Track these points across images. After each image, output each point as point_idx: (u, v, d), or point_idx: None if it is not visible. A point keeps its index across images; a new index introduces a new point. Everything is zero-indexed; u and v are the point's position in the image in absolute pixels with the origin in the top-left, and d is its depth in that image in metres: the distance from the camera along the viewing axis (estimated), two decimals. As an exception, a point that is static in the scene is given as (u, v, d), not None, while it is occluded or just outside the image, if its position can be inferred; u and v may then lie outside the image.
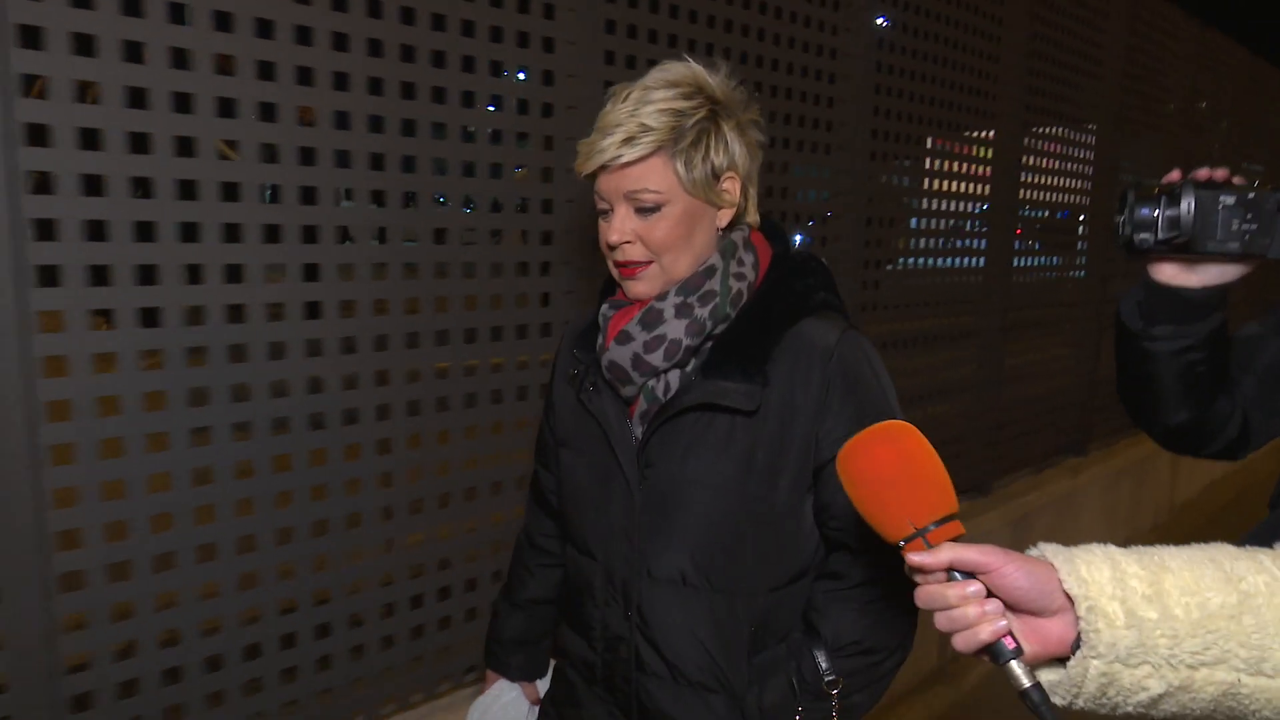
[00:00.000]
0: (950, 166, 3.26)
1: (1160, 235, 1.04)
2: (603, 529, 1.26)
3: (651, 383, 1.20)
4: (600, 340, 1.24)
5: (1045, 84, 3.68)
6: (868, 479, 0.84)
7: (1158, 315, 1.13)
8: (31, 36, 1.30)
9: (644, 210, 1.15)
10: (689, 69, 1.18)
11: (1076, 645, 0.79)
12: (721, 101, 1.17)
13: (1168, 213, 1.03)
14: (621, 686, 1.27)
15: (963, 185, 3.34)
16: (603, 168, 1.15)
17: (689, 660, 1.22)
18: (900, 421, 0.87)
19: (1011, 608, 0.81)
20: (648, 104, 1.13)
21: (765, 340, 1.18)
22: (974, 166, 3.37)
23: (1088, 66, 3.95)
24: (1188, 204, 1.02)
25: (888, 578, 1.19)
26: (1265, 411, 1.21)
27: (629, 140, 1.13)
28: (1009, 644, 0.79)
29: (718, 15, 2.23)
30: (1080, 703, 0.80)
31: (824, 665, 1.19)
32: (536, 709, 1.52)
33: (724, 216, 1.21)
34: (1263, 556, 0.82)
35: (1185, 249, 1.04)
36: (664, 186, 1.15)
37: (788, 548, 1.22)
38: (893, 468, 0.83)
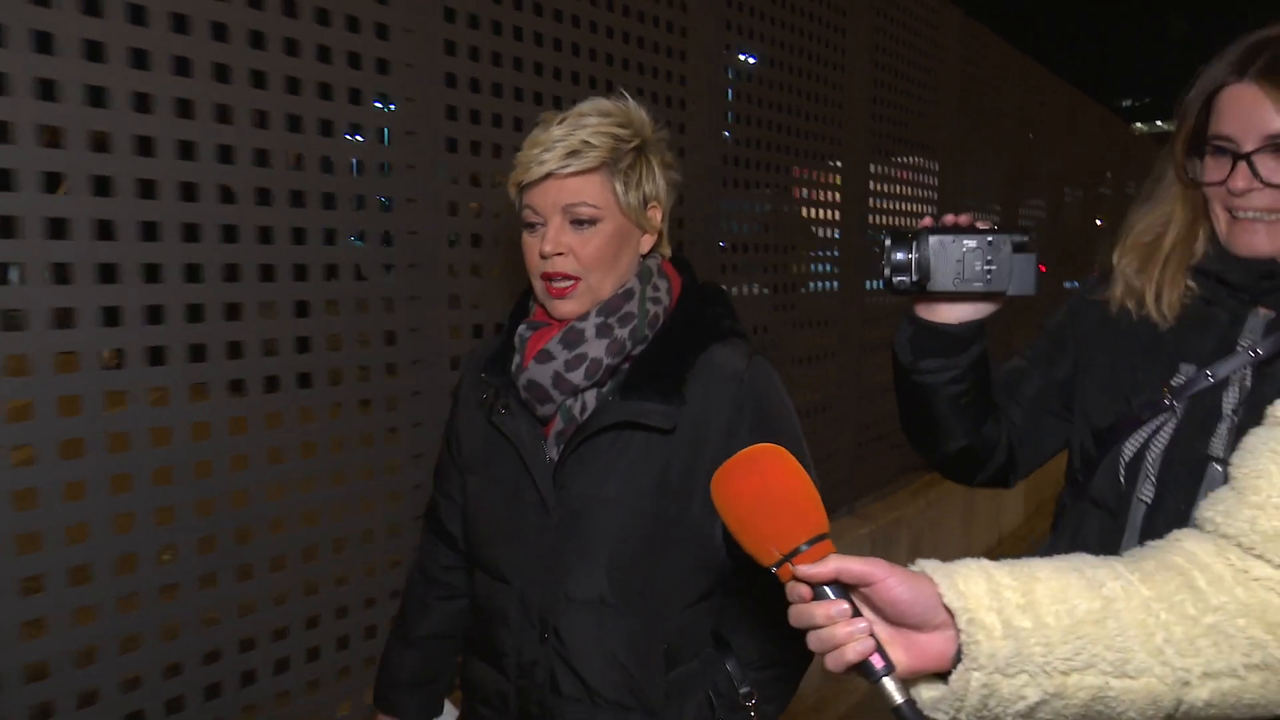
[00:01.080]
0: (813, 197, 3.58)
1: (913, 277, 1.11)
2: (516, 553, 1.26)
3: (569, 402, 1.22)
4: (517, 360, 1.24)
5: (889, 116, 3.91)
6: (734, 505, 0.85)
7: (925, 349, 1.20)
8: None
9: (579, 223, 1.19)
10: (620, 104, 1.23)
11: (957, 660, 0.81)
12: (649, 138, 1.24)
13: (916, 256, 1.10)
14: (536, 713, 1.26)
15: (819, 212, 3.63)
16: (540, 180, 1.18)
17: (606, 680, 1.23)
18: (763, 445, 0.87)
19: (892, 621, 0.82)
20: (584, 127, 1.18)
21: (681, 363, 1.22)
22: (826, 195, 3.63)
23: (928, 96, 4.25)
24: (931, 249, 1.10)
25: None
26: (1031, 438, 1.31)
27: (573, 153, 1.16)
28: (877, 662, 0.79)
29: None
30: (963, 716, 0.81)
31: (737, 678, 1.25)
32: None
33: (646, 242, 1.26)
34: (1116, 564, 0.87)
35: (933, 289, 1.12)
36: (601, 202, 1.19)
37: (699, 565, 1.26)
38: (750, 495, 0.84)
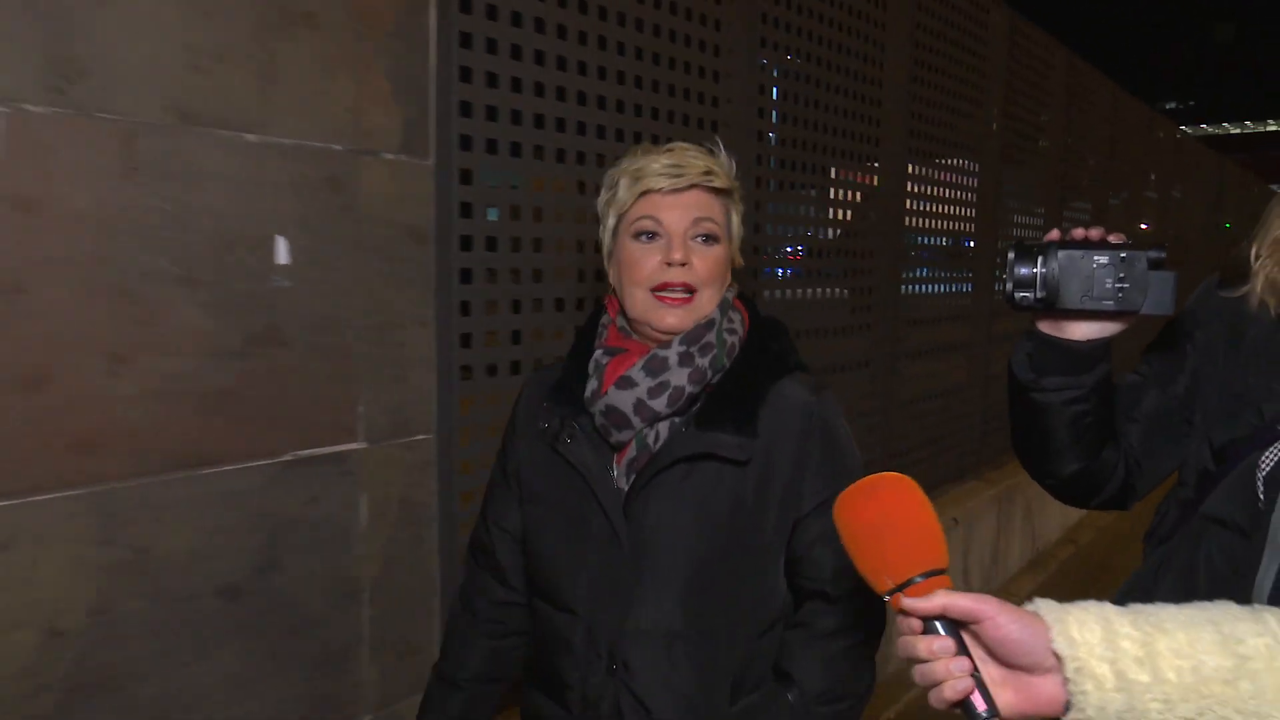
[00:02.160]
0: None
1: (1038, 293, 1.06)
2: (583, 584, 1.24)
3: (645, 430, 1.21)
4: (594, 386, 1.23)
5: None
6: (851, 531, 0.84)
7: (1046, 367, 1.14)
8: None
9: (702, 238, 1.21)
10: (714, 154, 1.26)
11: (1068, 708, 0.78)
12: (736, 186, 1.28)
13: (1043, 271, 1.06)
14: None
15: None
16: (677, 191, 1.20)
17: (673, 712, 1.22)
18: (893, 474, 0.86)
19: (1002, 661, 0.80)
20: (699, 158, 1.22)
21: (754, 395, 1.23)
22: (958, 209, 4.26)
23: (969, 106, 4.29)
24: (1059, 265, 1.05)
25: (854, 628, 1.24)
26: (1149, 457, 1.23)
27: (709, 173, 1.21)
28: (979, 704, 0.77)
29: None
30: None
31: (799, 712, 1.22)
32: None
33: (728, 275, 1.28)
34: (1269, 616, 0.80)
35: (1061, 306, 1.07)
36: (722, 224, 1.23)
37: (764, 596, 1.25)
38: (867, 523, 0.83)
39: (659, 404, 1.19)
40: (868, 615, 1.24)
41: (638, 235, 1.22)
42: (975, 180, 4.35)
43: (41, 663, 1.35)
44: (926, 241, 4.03)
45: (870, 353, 3.58)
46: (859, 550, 0.84)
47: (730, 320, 1.26)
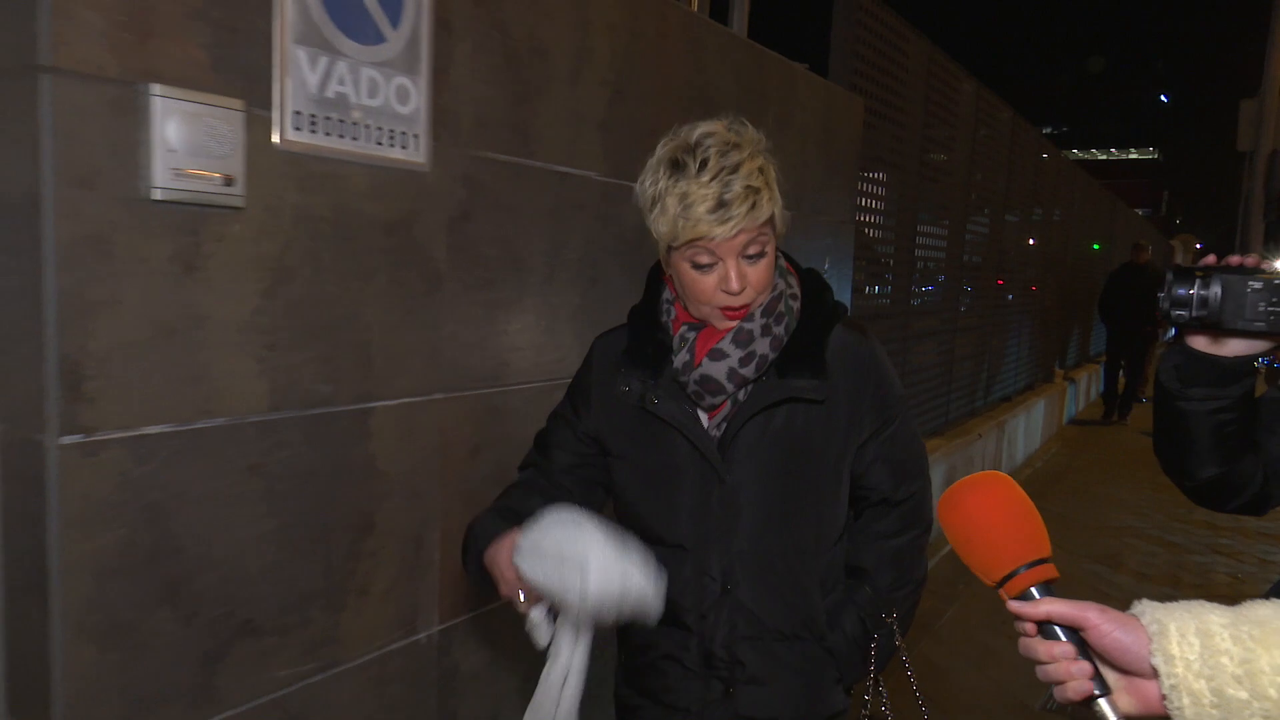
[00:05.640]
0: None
1: (1193, 313, 1.15)
2: (685, 522, 1.39)
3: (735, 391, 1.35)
4: (686, 358, 1.34)
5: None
6: (956, 530, 0.88)
7: (1194, 379, 1.22)
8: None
9: (751, 258, 1.29)
10: (729, 126, 1.29)
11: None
12: (762, 148, 1.30)
13: (1200, 293, 1.14)
14: (721, 655, 1.39)
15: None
16: (710, 239, 1.24)
17: (780, 617, 1.39)
18: (991, 473, 0.90)
19: (1111, 665, 0.81)
20: (731, 170, 1.23)
21: (820, 346, 1.37)
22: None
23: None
24: (1217, 289, 1.13)
25: (910, 527, 1.46)
26: None
27: (754, 206, 1.24)
28: (1110, 714, 0.80)
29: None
30: None
31: (877, 601, 1.43)
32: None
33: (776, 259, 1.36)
34: None
35: (1216, 326, 1.15)
36: (768, 235, 1.30)
37: (837, 512, 1.44)
38: (968, 521, 0.87)
39: (748, 371, 1.34)
40: (920, 516, 1.47)
41: (696, 265, 1.29)
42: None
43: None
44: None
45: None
46: (965, 547, 0.88)
47: (790, 285, 1.39)
